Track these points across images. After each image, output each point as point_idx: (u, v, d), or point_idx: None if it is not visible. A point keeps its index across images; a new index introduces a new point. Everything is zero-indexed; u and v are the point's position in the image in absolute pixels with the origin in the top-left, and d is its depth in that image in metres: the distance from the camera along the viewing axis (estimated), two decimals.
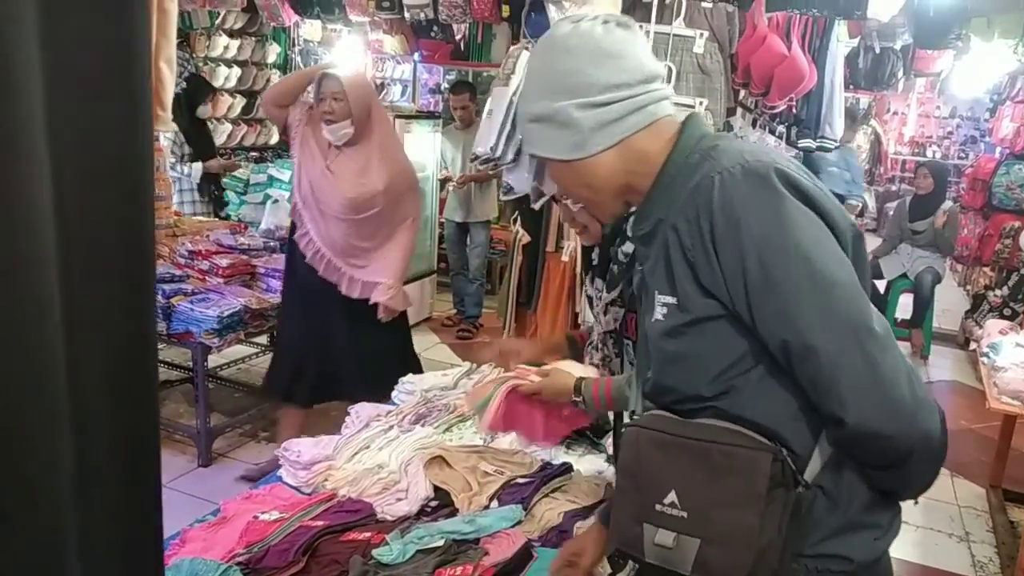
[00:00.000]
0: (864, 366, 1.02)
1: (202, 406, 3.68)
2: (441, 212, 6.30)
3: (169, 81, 0.88)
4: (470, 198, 5.78)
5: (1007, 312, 5.61)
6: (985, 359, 3.52)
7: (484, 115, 1.67)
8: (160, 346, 4.47)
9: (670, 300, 1.15)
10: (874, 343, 1.03)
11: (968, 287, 6.72)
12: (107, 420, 0.69)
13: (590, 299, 1.91)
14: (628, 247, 1.70)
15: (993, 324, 3.98)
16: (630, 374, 1.69)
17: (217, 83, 7.19)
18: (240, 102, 7.42)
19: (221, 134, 7.12)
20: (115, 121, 0.59)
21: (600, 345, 1.90)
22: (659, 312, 1.17)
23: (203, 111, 5.29)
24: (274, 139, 7.58)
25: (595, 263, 1.79)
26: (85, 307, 0.62)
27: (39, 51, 0.54)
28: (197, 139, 5.32)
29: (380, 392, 2.61)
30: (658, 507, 1.11)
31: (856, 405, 1.02)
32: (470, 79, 8.01)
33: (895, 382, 1.03)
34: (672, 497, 1.10)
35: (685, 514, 1.09)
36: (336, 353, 3.24)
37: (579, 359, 1.99)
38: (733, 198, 1.06)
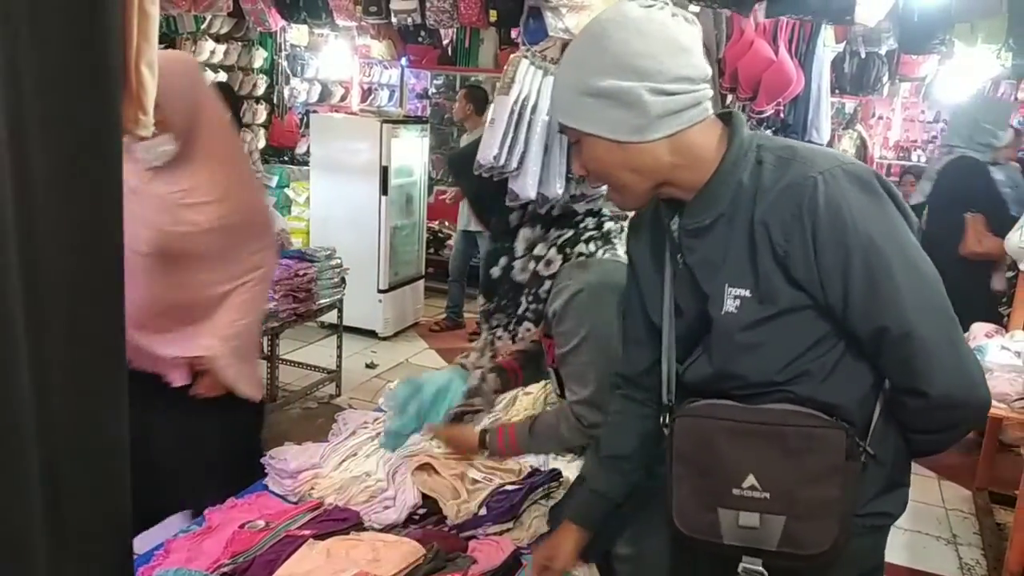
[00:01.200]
0: (950, 347, 1.14)
1: None
2: (431, 219, 6.31)
3: (151, 85, 0.87)
4: None
5: (993, 315, 5.64)
6: None
7: (487, 125, 1.67)
8: None
9: (744, 293, 1.19)
10: (955, 327, 1.16)
11: None
12: (73, 428, 0.67)
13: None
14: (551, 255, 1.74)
15: (979, 327, 3.99)
16: (535, 415, 1.84)
17: None
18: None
19: None
20: (83, 122, 0.57)
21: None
22: (731, 305, 1.20)
23: None
24: (260, 144, 7.55)
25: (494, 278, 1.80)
26: (50, 312, 0.61)
27: (3, 51, 0.53)
28: None
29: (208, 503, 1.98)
30: (735, 491, 1.18)
31: (943, 381, 1.14)
32: (457, 84, 8.02)
33: (971, 359, 1.17)
34: (751, 480, 1.17)
35: (768, 495, 1.17)
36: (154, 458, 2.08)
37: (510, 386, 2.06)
38: (838, 199, 1.12)
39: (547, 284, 1.72)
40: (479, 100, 5.63)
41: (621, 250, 1.71)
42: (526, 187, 1.65)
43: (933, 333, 1.13)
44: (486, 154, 1.65)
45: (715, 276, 1.22)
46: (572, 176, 1.69)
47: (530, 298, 1.74)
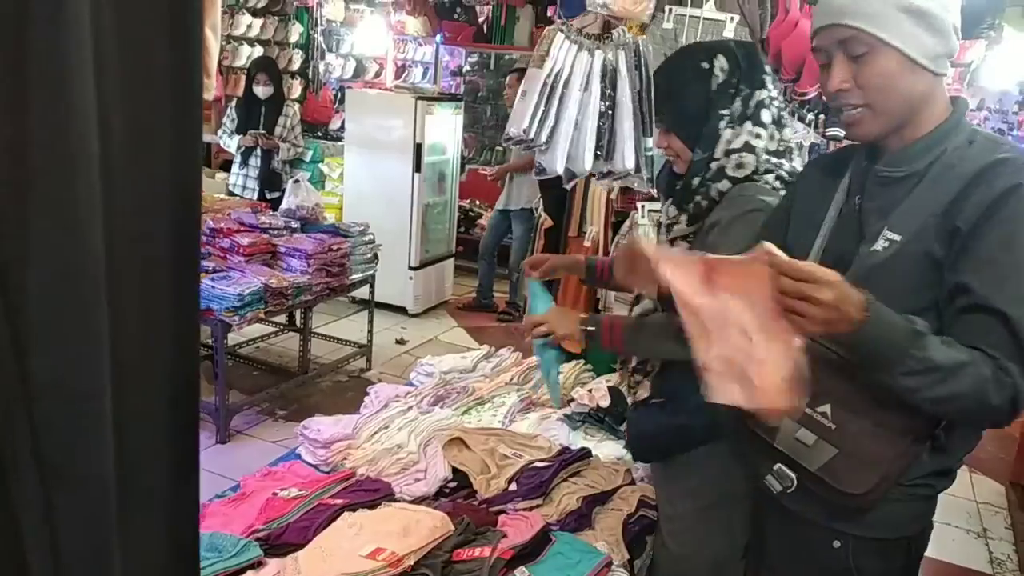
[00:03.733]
0: None
1: (221, 384, 3.70)
2: (463, 197, 6.30)
3: (214, 47, 0.87)
4: (510, 183, 5.79)
5: None
6: None
7: (518, 96, 1.65)
8: None
9: (896, 237, 1.23)
10: None
11: None
12: (152, 411, 0.69)
13: (659, 225, 1.83)
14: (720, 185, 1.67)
15: None
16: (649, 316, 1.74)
17: (239, 62, 7.19)
18: None
19: None
20: (163, 87, 0.58)
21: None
22: (880, 244, 1.25)
23: (258, 90, 5.29)
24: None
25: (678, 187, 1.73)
26: (131, 295, 0.62)
27: (90, 36, 0.53)
28: (246, 115, 5.33)
29: None
30: (808, 410, 1.24)
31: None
32: (492, 62, 7.97)
33: None
34: (826, 408, 1.23)
35: (834, 426, 1.23)
36: None
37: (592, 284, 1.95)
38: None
39: (725, 184, 1.62)
40: None
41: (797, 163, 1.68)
42: (555, 161, 1.64)
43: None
44: (516, 126, 1.64)
45: (879, 221, 1.27)
46: (600, 154, 1.68)
47: (703, 190, 1.64)
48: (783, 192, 1.59)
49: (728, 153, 1.60)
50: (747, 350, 1.12)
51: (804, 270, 1.09)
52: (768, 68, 1.71)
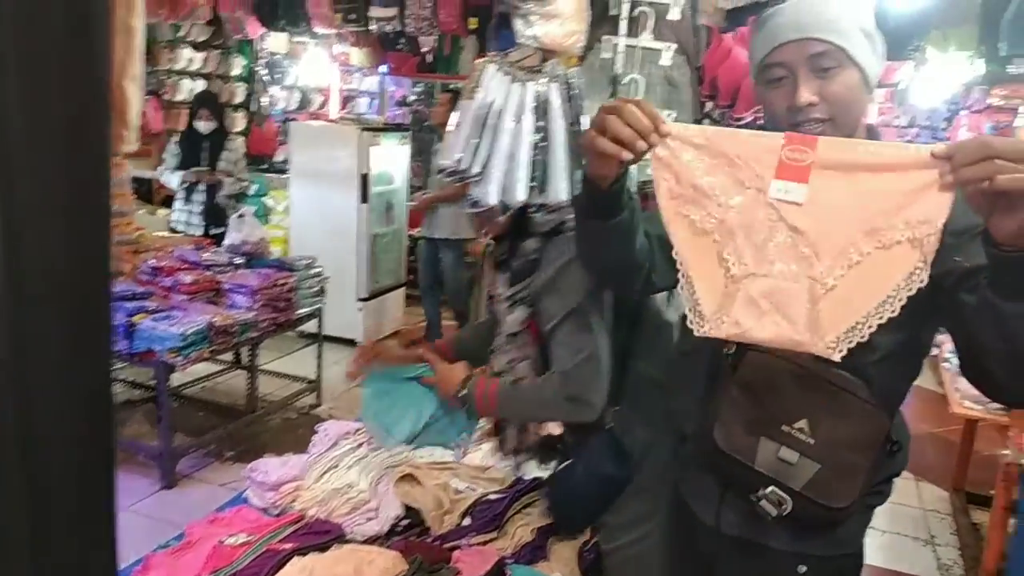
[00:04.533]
0: None
1: (165, 426, 3.61)
2: (412, 226, 6.27)
3: (135, 100, 0.86)
4: (433, 212, 5.50)
5: None
6: (947, 364, 3.57)
7: (450, 127, 1.66)
8: (121, 365, 4.39)
9: None
10: None
11: None
12: (59, 447, 0.66)
13: (491, 298, 1.89)
14: (533, 243, 1.72)
15: None
16: (522, 376, 1.77)
17: (180, 96, 7.11)
18: None
19: None
20: (72, 142, 0.57)
21: (506, 347, 1.86)
22: None
23: (200, 125, 5.22)
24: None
25: (503, 258, 1.78)
26: (36, 331, 0.60)
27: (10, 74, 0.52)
28: (188, 150, 5.26)
29: None
30: (785, 428, 1.25)
31: None
32: (437, 91, 8.00)
33: None
34: (803, 424, 1.25)
35: (813, 441, 1.24)
36: None
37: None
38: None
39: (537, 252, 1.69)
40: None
41: None
42: (488, 194, 1.64)
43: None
44: (450, 157, 1.64)
45: None
46: (534, 185, 1.69)
47: (523, 270, 1.70)
48: None
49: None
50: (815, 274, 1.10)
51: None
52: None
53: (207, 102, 5.40)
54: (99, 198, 0.64)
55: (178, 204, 5.38)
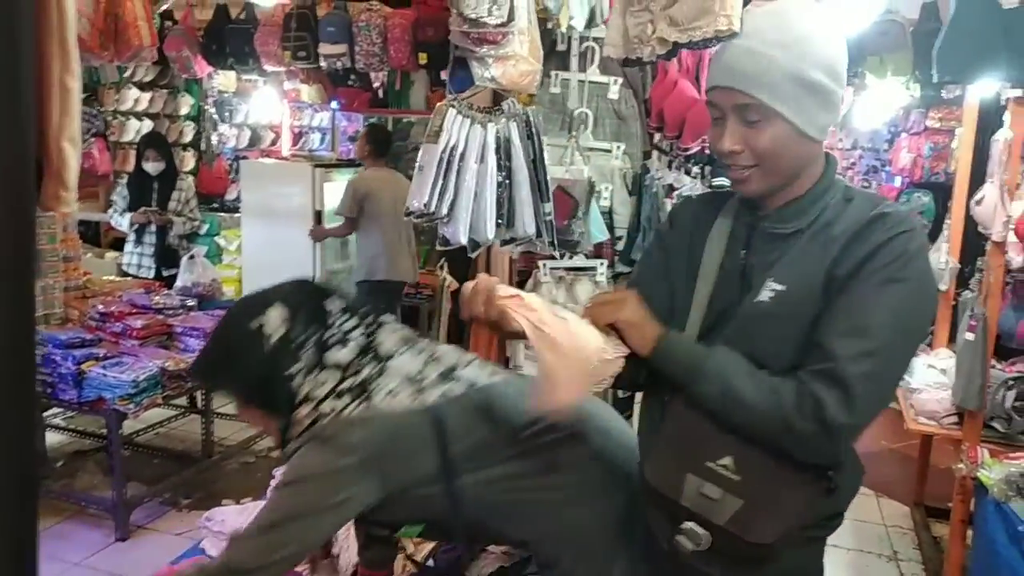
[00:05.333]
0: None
1: (118, 477, 3.51)
2: None
3: (73, 160, 0.85)
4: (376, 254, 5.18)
5: None
6: (901, 382, 3.64)
7: (416, 171, 1.67)
8: (71, 414, 4.26)
9: (780, 288, 1.27)
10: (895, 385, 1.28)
11: None
12: None
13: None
14: None
15: None
16: None
17: (127, 137, 7.01)
18: None
19: None
20: None
21: None
22: (765, 295, 1.28)
23: (148, 167, 5.15)
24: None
25: None
26: None
27: None
28: (138, 192, 5.18)
29: None
30: (709, 464, 1.25)
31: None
32: (389, 126, 8.02)
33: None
34: (728, 461, 1.24)
35: (738, 477, 1.23)
36: None
37: None
38: (908, 247, 1.21)
39: (296, 443, 1.48)
40: (380, 141, 5.28)
41: (381, 395, 1.45)
42: (457, 233, 1.66)
43: (853, 373, 1.18)
44: (417, 200, 1.65)
45: (764, 272, 1.31)
46: (501, 222, 1.70)
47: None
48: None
49: (316, 410, 1.44)
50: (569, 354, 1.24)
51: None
52: (336, 301, 1.54)
53: (154, 143, 5.34)
54: (24, 258, 0.62)
55: (129, 247, 5.28)
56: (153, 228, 5.14)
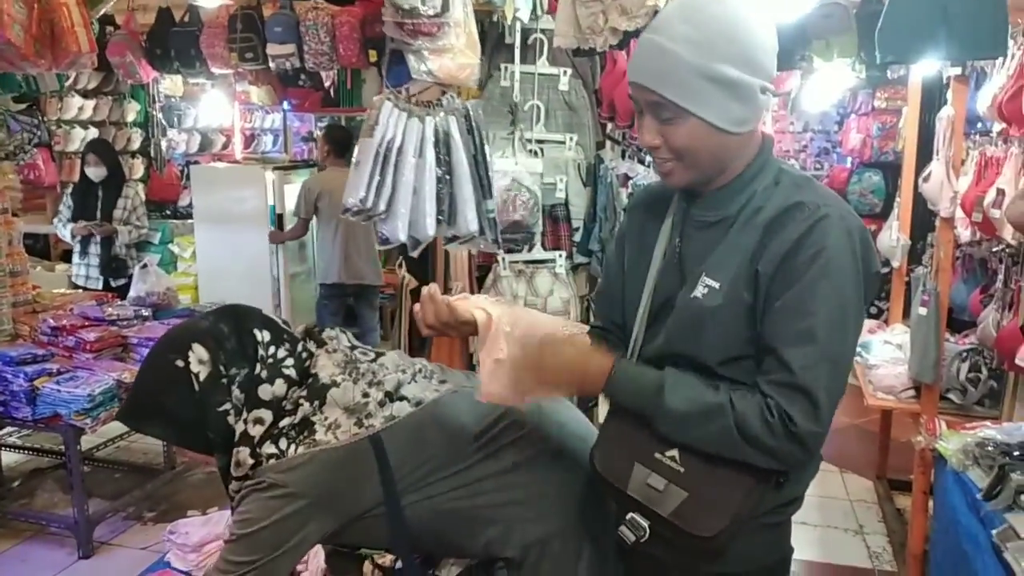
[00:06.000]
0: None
1: (78, 493, 3.42)
2: None
3: None
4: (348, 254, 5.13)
5: (873, 310, 5.96)
6: (858, 358, 3.70)
7: (352, 166, 1.64)
8: (26, 432, 4.15)
9: (714, 284, 1.26)
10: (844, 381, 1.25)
11: None
12: None
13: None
14: None
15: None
16: None
17: (72, 146, 6.83)
18: None
19: None
20: None
21: None
22: (700, 291, 1.27)
23: (90, 172, 5.02)
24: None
25: None
26: None
27: None
28: (82, 201, 5.04)
29: None
30: (657, 455, 1.26)
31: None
32: (343, 124, 7.93)
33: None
34: (674, 452, 1.25)
35: (683, 469, 1.24)
36: None
37: None
38: (827, 232, 1.20)
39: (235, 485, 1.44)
40: (339, 141, 5.23)
41: (320, 432, 1.41)
42: (396, 230, 1.63)
43: (811, 379, 1.18)
44: (353, 196, 1.62)
45: (698, 265, 1.30)
46: (442, 218, 1.69)
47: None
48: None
49: (257, 453, 1.39)
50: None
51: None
52: (264, 331, 1.49)
53: (94, 147, 5.22)
54: None
55: (75, 258, 5.16)
56: (98, 238, 5.02)
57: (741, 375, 1.26)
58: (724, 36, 1.20)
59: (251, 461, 1.39)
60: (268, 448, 1.39)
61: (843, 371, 1.23)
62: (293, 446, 1.39)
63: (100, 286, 5.00)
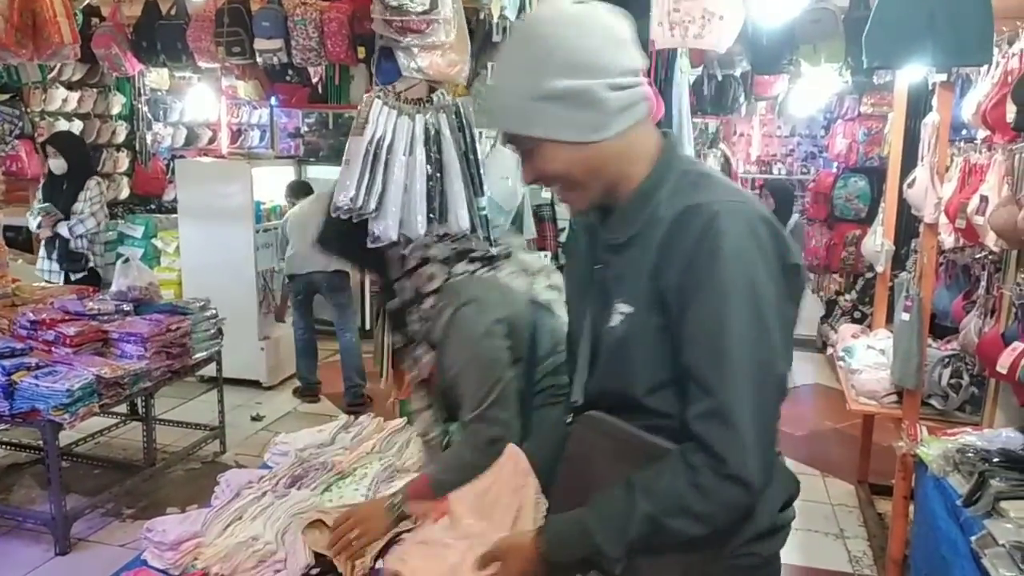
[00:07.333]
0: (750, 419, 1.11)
1: (55, 489, 3.39)
2: None
3: None
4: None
5: (857, 315, 6.00)
6: (841, 363, 3.72)
7: (342, 165, 1.63)
8: (4, 427, 4.10)
9: (628, 309, 1.18)
10: (774, 392, 1.14)
11: (821, 294, 7.15)
12: None
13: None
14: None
15: (846, 329, 4.23)
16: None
17: None
18: None
19: None
20: None
21: (416, 393, 1.85)
22: (615, 319, 1.19)
23: (51, 164, 4.95)
24: (124, 193, 7.17)
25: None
26: None
27: None
28: (49, 193, 4.98)
29: None
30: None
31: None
32: (330, 121, 7.89)
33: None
34: None
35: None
36: None
37: None
38: (721, 233, 1.08)
39: (430, 301, 1.68)
40: (296, 191, 5.58)
41: (505, 272, 1.67)
42: (387, 228, 1.63)
43: (733, 401, 1.08)
44: (343, 195, 1.61)
45: (617, 291, 1.21)
46: (433, 216, 1.69)
47: (414, 317, 1.70)
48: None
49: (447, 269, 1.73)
50: None
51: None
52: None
53: (53, 140, 5.16)
54: None
55: (42, 252, 5.10)
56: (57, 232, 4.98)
57: (671, 405, 1.15)
58: (542, 51, 1.14)
59: (442, 277, 1.64)
60: (459, 268, 1.66)
61: (771, 382, 1.12)
62: (483, 269, 1.68)
63: (61, 280, 4.94)
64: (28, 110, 6.51)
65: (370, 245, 1.64)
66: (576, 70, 1.12)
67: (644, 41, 3.29)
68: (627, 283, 1.19)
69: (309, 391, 5.47)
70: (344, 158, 1.66)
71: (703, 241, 1.09)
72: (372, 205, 1.60)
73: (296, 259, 5.14)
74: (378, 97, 1.68)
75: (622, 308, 1.19)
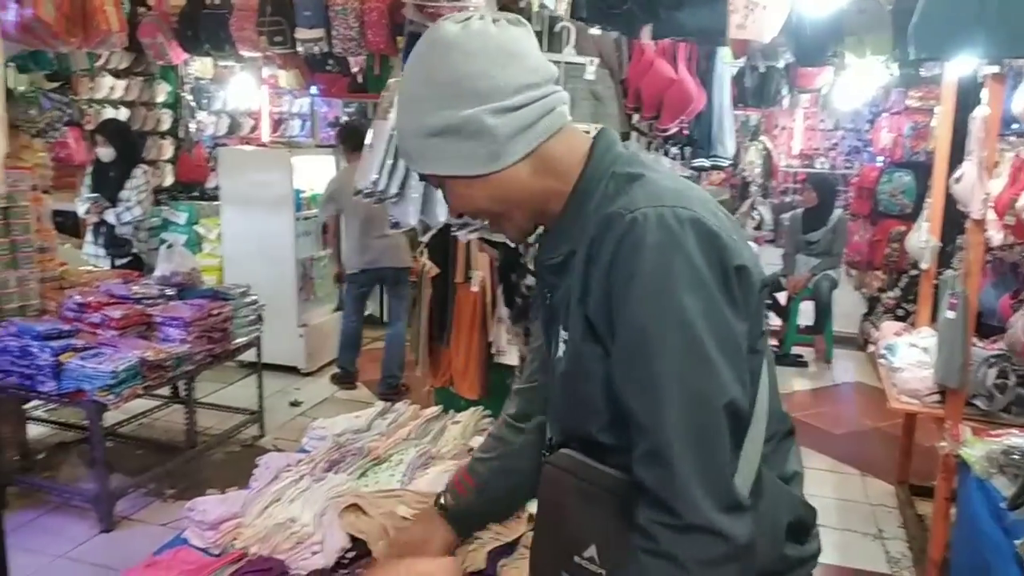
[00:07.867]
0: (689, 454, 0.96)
1: (100, 468, 3.48)
2: None
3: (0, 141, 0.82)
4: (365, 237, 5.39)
5: (900, 312, 5.88)
6: (883, 360, 3.66)
7: (365, 149, 1.64)
8: (51, 406, 4.22)
9: (567, 336, 1.08)
10: (718, 422, 0.96)
11: (863, 291, 7.03)
12: None
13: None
14: (530, 280, 1.66)
15: (889, 326, 4.15)
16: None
17: None
18: None
19: None
20: None
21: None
22: (560, 349, 1.11)
23: (99, 152, 5.06)
24: (168, 180, 7.31)
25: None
26: None
27: None
28: (96, 180, 5.10)
29: None
30: (577, 559, 1.08)
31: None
32: (369, 111, 7.93)
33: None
34: (592, 552, 1.06)
35: (603, 572, 1.05)
36: None
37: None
38: (638, 246, 0.96)
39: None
40: (347, 138, 5.40)
41: None
42: (407, 214, 1.62)
43: (672, 441, 0.94)
44: (365, 179, 1.61)
45: (562, 318, 1.11)
46: None
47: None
48: None
49: None
50: None
51: None
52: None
53: (101, 128, 5.23)
54: None
55: (88, 237, 5.21)
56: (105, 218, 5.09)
57: (629, 440, 1.01)
58: (421, 86, 1.07)
59: None
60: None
61: (713, 413, 0.95)
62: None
63: (108, 265, 5.05)
64: (76, 98, 6.66)
65: (389, 231, 1.65)
66: (459, 100, 1.04)
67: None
68: (564, 308, 1.09)
69: (347, 378, 5.53)
70: (367, 142, 1.66)
71: (618, 257, 0.98)
72: (394, 189, 1.60)
73: (368, 253, 5.20)
74: None
75: (563, 336, 1.10)
